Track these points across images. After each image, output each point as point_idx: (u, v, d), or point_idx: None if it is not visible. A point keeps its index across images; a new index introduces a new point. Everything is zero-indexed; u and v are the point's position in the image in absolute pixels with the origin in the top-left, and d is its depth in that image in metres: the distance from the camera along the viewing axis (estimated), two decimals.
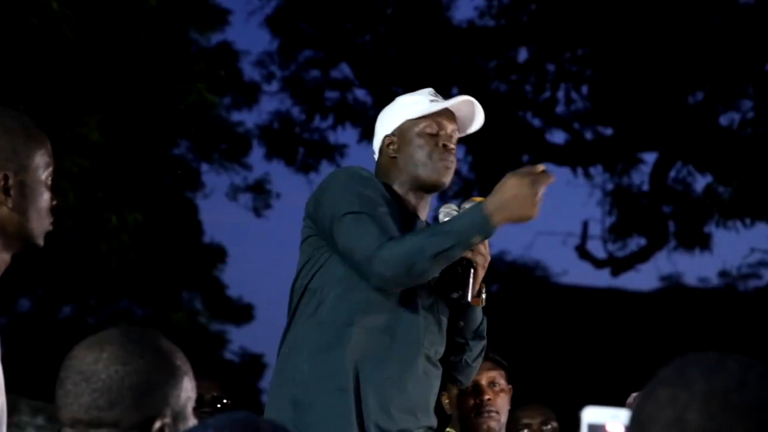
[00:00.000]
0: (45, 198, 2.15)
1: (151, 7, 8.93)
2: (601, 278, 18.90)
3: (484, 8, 13.22)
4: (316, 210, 2.91)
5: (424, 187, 2.98)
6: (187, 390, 1.86)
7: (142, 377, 1.81)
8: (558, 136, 13.74)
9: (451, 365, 3.02)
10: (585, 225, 13.96)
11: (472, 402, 3.44)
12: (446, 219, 2.94)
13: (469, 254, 2.89)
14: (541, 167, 2.78)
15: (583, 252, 14.02)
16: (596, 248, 13.97)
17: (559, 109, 13.54)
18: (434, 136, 2.97)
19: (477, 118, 3.03)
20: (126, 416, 1.80)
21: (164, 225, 11.26)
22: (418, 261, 2.73)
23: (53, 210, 2.18)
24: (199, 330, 13.05)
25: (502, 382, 3.49)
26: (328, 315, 2.86)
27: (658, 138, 13.09)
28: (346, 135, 13.72)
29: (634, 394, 3.17)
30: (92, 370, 1.81)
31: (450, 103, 2.99)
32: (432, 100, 3.01)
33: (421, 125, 2.98)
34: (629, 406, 2.67)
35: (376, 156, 3.07)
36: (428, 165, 2.95)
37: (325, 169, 13.57)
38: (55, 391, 1.85)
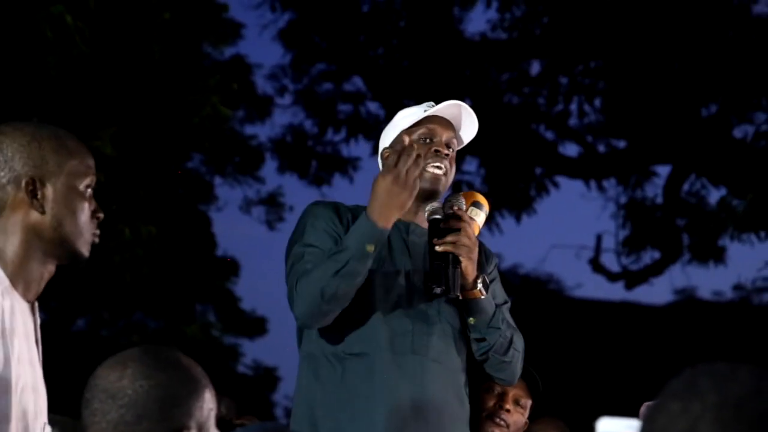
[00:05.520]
0: (83, 207, 2.18)
1: (164, 20, 8.96)
2: (615, 291, 18.87)
3: (496, 21, 13.23)
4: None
5: (415, 199, 2.97)
6: (209, 402, 1.89)
7: (166, 391, 1.84)
8: (571, 149, 13.73)
9: (482, 364, 3.04)
10: (599, 238, 13.93)
11: (492, 402, 3.45)
12: (433, 217, 2.98)
13: (450, 248, 2.90)
14: (400, 159, 2.87)
15: (596, 265, 13.98)
16: (610, 261, 13.94)
17: (572, 121, 13.53)
18: (427, 142, 3.00)
19: (471, 124, 3.06)
20: (153, 430, 1.82)
21: (178, 238, 11.27)
22: (324, 286, 2.82)
23: (97, 222, 2.21)
24: (212, 343, 13.04)
25: (527, 405, 3.49)
26: (309, 346, 2.98)
27: (672, 151, 13.05)
28: (359, 148, 13.76)
29: (647, 404, 3.15)
30: (117, 387, 1.84)
31: (439, 107, 3.03)
32: (426, 110, 3.04)
33: (416, 133, 3.02)
34: (642, 416, 2.66)
35: None
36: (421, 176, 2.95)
37: (338, 182, 13.57)
38: (81, 411, 1.87)
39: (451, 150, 3.02)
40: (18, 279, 2.12)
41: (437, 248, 2.91)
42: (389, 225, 2.85)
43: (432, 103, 3.08)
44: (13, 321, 2.08)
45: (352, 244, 2.83)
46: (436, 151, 2.98)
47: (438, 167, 2.98)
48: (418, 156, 2.86)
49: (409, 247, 3.02)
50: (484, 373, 3.13)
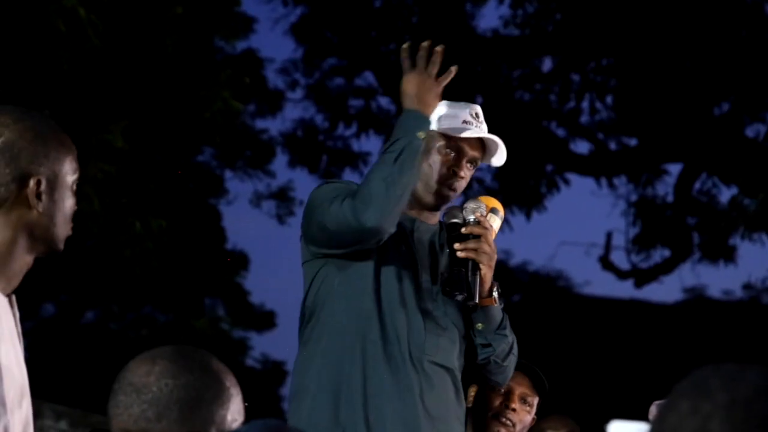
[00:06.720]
0: (70, 204, 2.17)
1: (177, 15, 8.98)
2: (625, 289, 18.86)
3: (508, 17, 13.22)
4: (304, 226, 2.96)
5: (419, 203, 3.01)
6: (234, 412, 1.88)
7: (189, 392, 1.84)
8: (582, 146, 13.72)
9: (481, 367, 3.04)
10: (608, 235, 13.92)
11: (498, 402, 3.45)
12: (452, 221, 2.97)
13: (472, 254, 2.90)
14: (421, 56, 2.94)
15: (606, 263, 13.97)
16: (620, 259, 13.93)
17: (584, 119, 13.52)
18: (449, 159, 2.99)
19: (500, 156, 3.05)
20: (172, 430, 1.83)
21: (188, 231, 11.30)
22: (385, 177, 2.78)
23: (73, 215, 2.19)
24: (221, 336, 13.08)
25: (533, 402, 3.50)
26: (316, 330, 2.93)
27: (683, 149, 13.03)
28: (370, 143, 13.77)
29: (656, 402, 3.15)
30: (143, 382, 1.86)
31: (481, 135, 3.01)
32: (465, 121, 3.00)
33: (445, 142, 3.00)
34: (652, 416, 2.66)
35: None
36: (431, 186, 2.97)
37: (348, 176, 13.59)
38: (108, 402, 1.89)
39: (472, 168, 3.02)
40: (0, 276, 2.08)
41: (459, 254, 2.92)
42: (430, 111, 2.87)
43: (476, 111, 3.03)
44: None
45: (402, 133, 2.84)
46: (454, 171, 2.97)
47: (452, 188, 2.99)
48: (433, 49, 2.91)
49: (415, 244, 3.02)
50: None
